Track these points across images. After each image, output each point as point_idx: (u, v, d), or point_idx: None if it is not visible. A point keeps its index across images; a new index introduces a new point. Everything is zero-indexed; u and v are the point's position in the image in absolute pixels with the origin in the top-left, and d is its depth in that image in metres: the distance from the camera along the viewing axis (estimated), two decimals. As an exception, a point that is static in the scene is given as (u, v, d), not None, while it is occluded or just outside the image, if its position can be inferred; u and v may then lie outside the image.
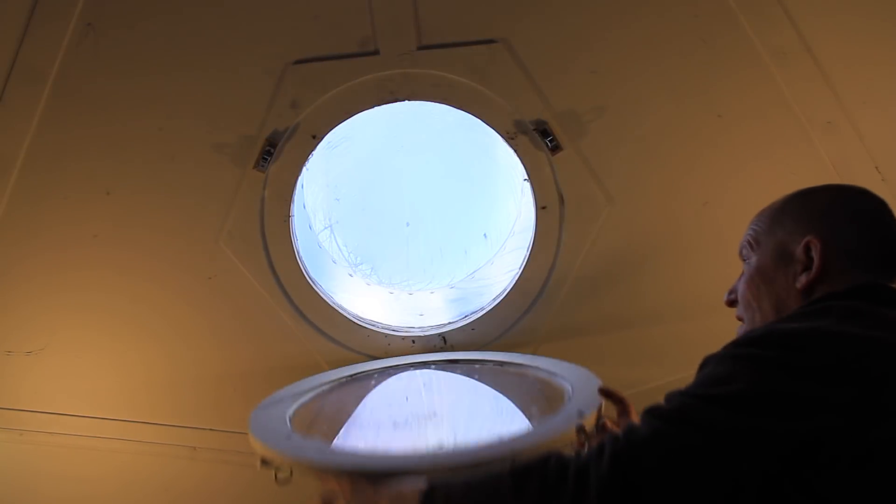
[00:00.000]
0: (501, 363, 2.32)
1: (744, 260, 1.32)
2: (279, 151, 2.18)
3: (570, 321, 2.49)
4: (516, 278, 2.45)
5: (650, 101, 2.22)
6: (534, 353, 2.49)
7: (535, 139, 2.24)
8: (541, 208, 2.34)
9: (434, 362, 2.38)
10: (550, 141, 2.23)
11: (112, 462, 2.49)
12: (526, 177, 2.33)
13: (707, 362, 1.02)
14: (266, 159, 2.17)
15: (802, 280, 1.15)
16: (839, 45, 2.14)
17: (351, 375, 2.30)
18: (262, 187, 2.22)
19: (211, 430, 2.51)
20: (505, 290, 2.49)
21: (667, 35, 2.13)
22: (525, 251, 2.44)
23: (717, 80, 2.19)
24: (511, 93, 2.18)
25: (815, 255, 1.14)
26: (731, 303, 1.33)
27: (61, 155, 2.10)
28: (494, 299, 2.50)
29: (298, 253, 2.36)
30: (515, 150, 2.27)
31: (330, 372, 2.32)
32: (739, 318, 1.32)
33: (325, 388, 2.19)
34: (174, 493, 2.56)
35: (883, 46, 2.14)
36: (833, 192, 1.26)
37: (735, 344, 1.02)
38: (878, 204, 1.24)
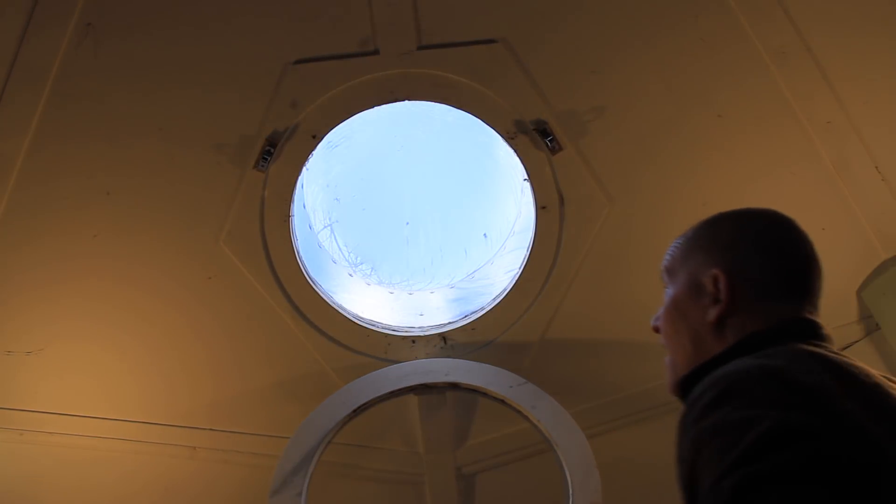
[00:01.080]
0: (503, 400, 2.34)
1: (665, 286, 1.29)
2: (279, 151, 2.18)
3: (570, 321, 2.49)
4: (516, 278, 2.45)
5: (650, 102, 2.22)
6: (534, 353, 2.49)
7: (535, 139, 2.24)
8: (541, 208, 2.34)
9: (435, 386, 2.38)
10: (550, 141, 2.22)
11: (112, 461, 2.49)
12: (526, 177, 2.33)
13: (701, 441, 0.87)
14: (266, 159, 2.17)
15: (712, 314, 1.12)
16: (839, 45, 2.13)
17: (350, 414, 2.29)
18: (262, 187, 2.22)
19: (210, 430, 2.51)
20: (505, 290, 2.49)
21: (667, 35, 2.13)
22: (525, 251, 2.44)
23: (717, 80, 2.19)
24: (511, 93, 2.18)
25: (721, 287, 1.12)
26: (658, 329, 1.27)
27: (61, 155, 2.10)
28: (494, 299, 2.50)
29: (298, 253, 2.36)
30: (515, 150, 2.27)
31: (324, 408, 2.30)
32: (664, 345, 1.27)
33: (322, 448, 2.22)
34: (174, 493, 2.56)
35: (883, 47, 2.14)
36: (740, 221, 1.23)
37: (713, 405, 0.88)
38: (787, 229, 1.20)
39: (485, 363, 2.42)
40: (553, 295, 2.44)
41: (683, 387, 1.08)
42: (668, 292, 1.27)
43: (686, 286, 1.19)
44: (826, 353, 1.03)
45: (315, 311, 2.40)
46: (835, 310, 2.50)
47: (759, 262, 1.14)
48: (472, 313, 2.54)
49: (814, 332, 1.10)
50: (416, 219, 2.93)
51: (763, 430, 0.81)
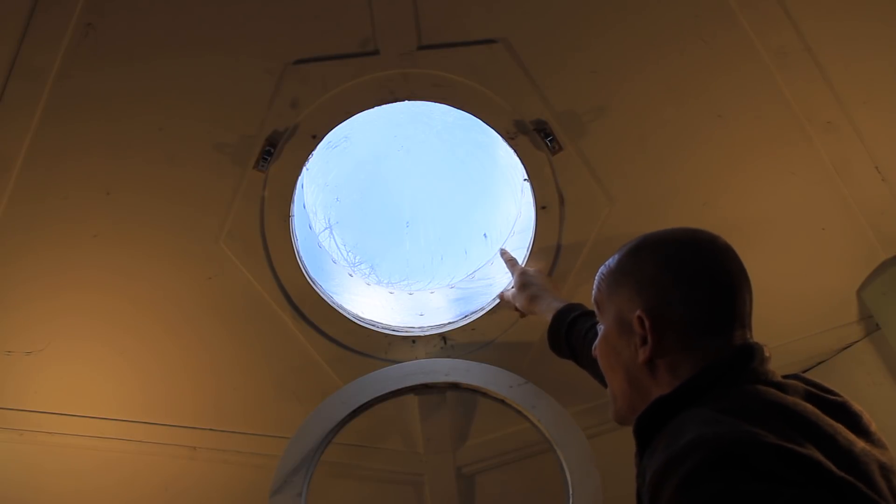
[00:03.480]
0: (503, 400, 2.34)
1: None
2: (279, 151, 2.18)
3: (570, 321, 2.49)
4: (516, 278, 2.45)
5: (650, 101, 2.22)
6: (534, 353, 2.50)
7: (535, 139, 2.24)
8: (541, 208, 2.34)
9: (435, 385, 2.39)
10: (550, 141, 2.23)
11: (112, 462, 2.49)
12: (526, 177, 2.33)
13: None
14: (266, 159, 2.17)
15: (641, 355, 1.11)
16: (839, 45, 2.14)
17: (350, 414, 2.29)
18: (262, 187, 2.22)
19: (210, 430, 2.51)
20: (505, 290, 2.49)
21: (667, 35, 2.13)
22: (525, 251, 2.44)
23: (717, 80, 2.19)
24: (511, 93, 2.18)
25: (647, 328, 1.11)
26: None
27: (61, 154, 2.10)
28: (494, 299, 2.50)
29: (298, 253, 2.36)
30: (515, 150, 2.27)
31: (324, 408, 2.30)
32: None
33: (322, 448, 2.22)
34: (173, 493, 2.56)
35: (883, 47, 2.14)
36: (658, 251, 1.19)
37: (705, 470, 0.85)
38: (708, 252, 1.16)
39: (485, 363, 2.42)
40: (553, 295, 2.44)
41: (636, 427, 1.07)
42: (599, 328, 1.25)
43: (615, 323, 1.18)
44: (775, 396, 1.00)
45: (315, 311, 2.40)
46: (835, 310, 2.50)
47: (682, 296, 1.11)
48: (472, 313, 2.54)
49: (752, 360, 1.07)
50: (416, 219, 2.93)
51: None
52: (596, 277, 1.29)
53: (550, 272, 2.41)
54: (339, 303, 2.49)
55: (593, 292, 1.29)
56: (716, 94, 2.21)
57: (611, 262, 1.26)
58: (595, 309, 1.28)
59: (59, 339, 2.34)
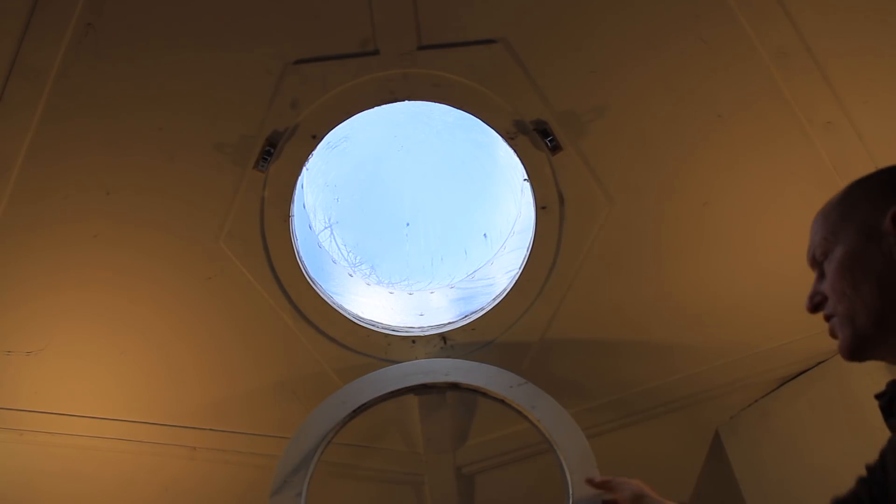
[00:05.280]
0: (503, 400, 2.34)
1: (818, 263, 1.34)
2: (279, 151, 2.18)
3: (570, 321, 2.49)
4: (516, 278, 2.45)
5: (650, 101, 2.22)
6: (534, 353, 2.50)
7: (535, 139, 2.24)
8: (541, 208, 2.34)
9: (435, 385, 2.39)
10: (550, 141, 2.23)
11: (112, 462, 2.49)
12: (526, 177, 2.33)
13: None
14: (266, 159, 2.17)
15: None
16: (839, 45, 2.13)
17: (350, 414, 2.30)
18: (262, 187, 2.22)
19: (210, 430, 2.51)
20: (505, 290, 2.49)
21: (667, 35, 2.13)
22: (525, 251, 2.44)
23: (717, 80, 2.19)
24: (511, 93, 2.18)
25: None
26: (817, 306, 1.32)
27: (61, 154, 2.10)
28: (494, 299, 2.50)
29: (298, 253, 2.36)
30: (515, 150, 2.27)
31: (324, 408, 2.30)
32: (829, 317, 1.31)
33: (322, 448, 2.22)
34: (174, 493, 2.56)
35: (883, 46, 2.14)
36: (887, 172, 1.34)
37: None
38: None
39: (485, 363, 2.42)
40: (553, 295, 2.44)
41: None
42: (829, 262, 1.29)
43: (858, 237, 1.25)
44: None
45: (315, 311, 2.40)
46: (835, 310, 2.50)
47: None
48: (472, 313, 2.54)
49: None
50: (416, 219, 2.93)
51: None
52: (815, 228, 1.37)
53: (550, 272, 2.41)
54: (339, 303, 2.49)
55: (816, 237, 1.36)
56: (715, 93, 2.21)
57: (830, 203, 1.37)
58: (820, 251, 1.34)
59: (59, 339, 2.34)
